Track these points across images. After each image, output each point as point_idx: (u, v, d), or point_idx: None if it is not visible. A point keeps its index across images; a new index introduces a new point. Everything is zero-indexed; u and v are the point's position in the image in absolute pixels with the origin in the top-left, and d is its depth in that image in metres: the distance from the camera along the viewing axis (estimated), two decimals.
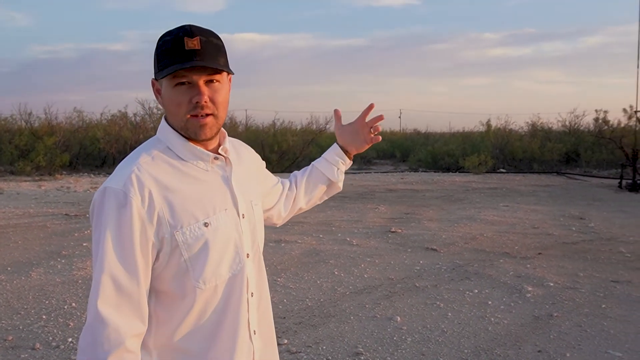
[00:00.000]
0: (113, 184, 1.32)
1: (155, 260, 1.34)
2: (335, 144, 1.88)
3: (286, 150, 23.55)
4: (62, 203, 12.13)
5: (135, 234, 1.29)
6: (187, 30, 1.34)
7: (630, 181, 15.36)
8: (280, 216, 1.81)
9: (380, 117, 1.80)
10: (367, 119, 1.81)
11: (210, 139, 1.41)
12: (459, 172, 22.15)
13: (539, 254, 7.26)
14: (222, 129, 1.46)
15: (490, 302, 5.25)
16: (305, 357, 4.06)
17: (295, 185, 1.85)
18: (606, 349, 4.21)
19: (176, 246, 1.33)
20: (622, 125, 21.82)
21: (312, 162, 1.90)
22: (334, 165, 1.85)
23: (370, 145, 1.84)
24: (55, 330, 4.53)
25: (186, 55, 1.32)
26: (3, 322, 4.70)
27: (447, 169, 23.19)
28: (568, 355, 4.08)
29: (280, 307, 5.12)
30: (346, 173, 1.90)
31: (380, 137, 1.82)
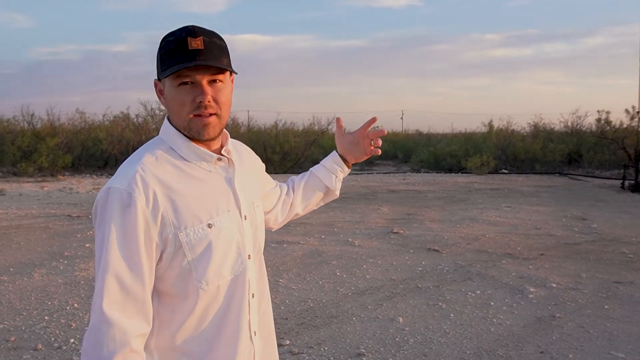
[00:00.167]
0: (117, 184, 1.31)
1: (158, 261, 1.34)
2: (334, 151, 1.88)
3: (288, 151, 23.55)
4: (65, 204, 12.15)
5: (139, 235, 1.29)
6: (190, 31, 1.34)
7: (632, 182, 15.34)
8: (277, 221, 1.82)
9: (382, 132, 1.80)
10: (369, 131, 1.82)
11: (214, 139, 1.41)
12: (461, 172, 22.14)
13: (542, 254, 7.25)
14: (225, 130, 1.46)
15: (492, 303, 5.25)
16: (307, 358, 4.06)
17: (292, 190, 1.86)
18: (609, 349, 4.20)
19: (179, 247, 1.33)
20: (625, 125, 21.79)
21: (311, 169, 1.90)
22: (332, 173, 1.85)
23: (369, 156, 1.84)
24: (57, 331, 4.53)
25: (189, 55, 1.32)
26: (5, 322, 4.71)
27: (450, 170, 23.18)
28: (570, 356, 4.08)
29: (283, 308, 5.12)
30: (348, 174, 1.91)
31: (380, 151, 1.82)
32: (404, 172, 23.02)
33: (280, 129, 25.52)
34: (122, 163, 1.41)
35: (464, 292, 5.58)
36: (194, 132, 1.38)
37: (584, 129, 25.63)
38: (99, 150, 22.35)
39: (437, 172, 22.84)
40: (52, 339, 4.37)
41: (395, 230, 8.93)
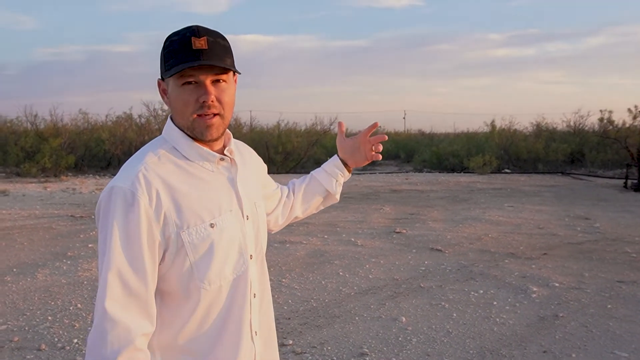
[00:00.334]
0: (120, 183, 1.31)
1: (160, 261, 1.34)
2: (335, 155, 1.88)
3: (290, 151, 23.54)
4: (68, 204, 12.16)
5: (142, 234, 1.29)
6: (194, 31, 1.35)
7: (635, 181, 15.31)
8: (277, 223, 1.82)
9: (382, 137, 1.80)
10: (370, 136, 1.82)
11: (217, 139, 1.42)
12: (464, 172, 22.12)
13: (544, 254, 7.24)
14: (227, 130, 1.47)
15: (495, 303, 5.24)
16: (310, 357, 4.06)
17: (293, 193, 1.86)
18: (612, 349, 4.19)
19: (182, 246, 1.33)
20: (627, 125, 21.76)
21: (311, 172, 1.90)
22: (332, 177, 1.85)
23: (369, 161, 1.84)
24: (60, 332, 4.54)
25: (194, 55, 1.32)
26: (9, 323, 4.72)
27: (452, 170, 23.16)
28: (574, 355, 4.07)
29: (285, 307, 5.12)
30: (351, 173, 1.91)
31: (381, 156, 1.82)
32: (407, 172, 23.01)
33: (282, 129, 25.52)
34: (124, 163, 1.41)
35: (466, 292, 5.57)
36: (197, 133, 1.38)
37: (586, 128, 25.59)
38: (102, 151, 22.38)
39: (439, 172, 22.82)
40: (56, 339, 4.38)
41: (397, 230, 8.92)
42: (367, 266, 6.62)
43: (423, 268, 6.55)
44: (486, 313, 4.98)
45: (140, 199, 1.29)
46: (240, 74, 1.43)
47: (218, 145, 1.45)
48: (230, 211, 1.42)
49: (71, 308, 5.10)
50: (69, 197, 13.51)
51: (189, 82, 1.34)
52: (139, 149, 1.45)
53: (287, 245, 7.71)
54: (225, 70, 1.36)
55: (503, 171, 22.24)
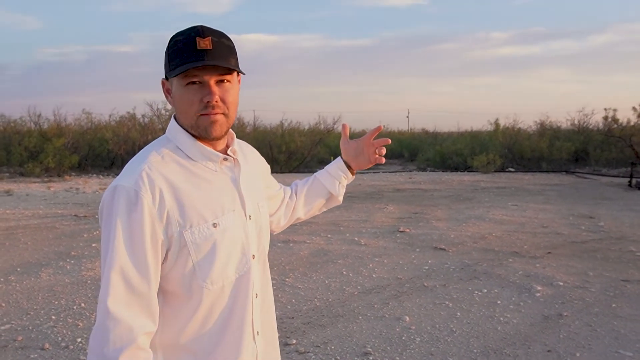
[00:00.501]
0: (124, 182, 1.31)
1: (163, 260, 1.34)
2: (339, 157, 1.87)
3: (294, 151, 23.56)
4: (71, 204, 12.19)
5: (146, 233, 1.29)
6: (199, 31, 1.34)
7: None
8: (279, 224, 1.81)
9: (386, 140, 1.79)
10: (374, 139, 1.81)
11: (220, 137, 1.41)
12: (468, 171, 22.09)
13: (548, 253, 7.22)
14: (231, 130, 1.46)
15: (499, 302, 5.23)
16: (313, 357, 4.06)
17: (295, 194, 1.85)
18: (617, 348, 4.18)
19: (184, 245, 1.33)
20: (632, 123, 21.73)
21: (315, 174, 1.89)
22: (335, 179, 1.84)
23: (373, 164, 1.83)
24: (64, 331, 4.55)
25: (198, 55, 1.32)
26: (13, 322, 4.73)
27: (456, 169, 23.14)
28: (578, 355, 4.06)
29: (289, 307, 5.12)
30: (355, 176, 1.90)
31: (384, 159, 1.81)
32: (410, 171, 22.99)
33: (286, 129, 25.54)
34: (128, 162, 1.41)
35: (470, 291, 5.56)
36: (201, 130, 1.38)
37: (590, 127, 25.53)
38: (105, 151, 22.44)
39: (443, 171, 22.80)
40: (60, 339, 4.38)
41: (401, 229, 8.91)
42: (371, 265, 6.62)
43: (427, 267, 6.54)
44: (490, 312, 4.96)
45: (144, 198, 1.29)
46: (244, 74, 1.43)
47: (221, 145, 1.45)
48: (233, 211, 1.42)
49: (75, 307, 5.10)
50: (73, 197, 13.54)
51: (194, 82, 1.34)
52: (143, 148, 1.45)
53: (291, 245, 7.71)
54: (229, 71, 1.36)
55: (507, 170, 22.21)
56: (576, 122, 26.13)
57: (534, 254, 7.15)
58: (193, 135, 1.40)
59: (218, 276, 1.37)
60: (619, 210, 11.09)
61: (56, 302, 5.25)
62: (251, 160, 1.59)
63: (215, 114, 1.36)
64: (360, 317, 4.84)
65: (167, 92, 1.43)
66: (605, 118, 23.11)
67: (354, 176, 1.88)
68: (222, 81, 1.36)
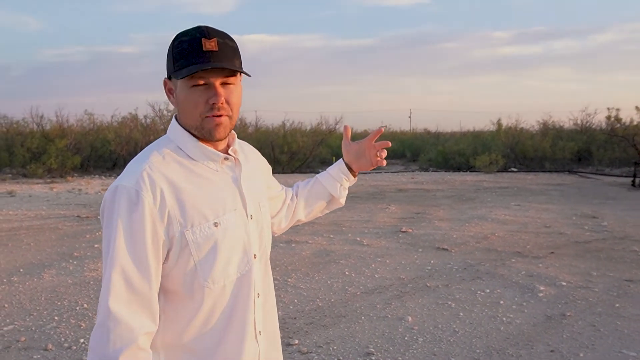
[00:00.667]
0: (125, 182, 1.31)
1: (165, 260, 1.34)
2: (341, 159, 1.86)
3: (296, 151, 23.56)
4: (74, 205, 12.21)
5: (147, 233, 1.29)
6: (204, 32, 1.34)
7: None
8: (280, 226, 1.80)
9: (387, 143, 1.78)
10: (375, 142, 1.80)
11: (223, 138, 1.41)
12: (470, 171, 22.08)
13: (551, 253, 7.21)
14: (232, 130, 1.46)
15: (502, 302, 5.22)
16: (316, 357, 4.05)
17: (296, 196, 1.84)
18: (620, 348, 4.16)
19: (185, 245, 1.33)
20: (635, 123, 21.65)
21: (316, 175, 1.87)
22: (337, 181, 1.83)
23: (374, 167, 1.82)
24: (67, 331, 4.55)
25: (204, 57, 1.32)
26: (16, 323, 4.73)
27: (458, 169, 23.12)
28: (581, 355, 4.05)
29: (291, 307, 5.12)
30: (357, 178, 1.88)
31: (385, 162, 1.80)
32: (413, 171, 22.98)
33: (288, 129, 25.54)
34: (129, 162, 1.41)
35: (473, 291, 5.55)
36: (206, 132, 1.37)
37: (593, 126, 25.48)
38: (108, 151, 22.46)
39: (445, 171, 22.78)
40: (62, 339, 4.39)
41: (403, 229, 8.91)
42: (373, 266, 6.61)
43: (429, 267, 6.53)
44: (493, 312, 4.95)
45: (145, 198, 1.29)
46: (250, 76, 1.43)
47: (222, 145, 1.45)
48: (234, 210, 1.41)
49: (77, 308, 5.11)
50: (75, 198, 13.56)
51: (199, 84, 1.34)
52: (144, 148, 1.45)
53: (293, 245, 7.70)
54: (234, 73, 1.36)
55: (509, 170, 22.19)
56: (579, 121, 26.10)
57: (536, 254, 7.13)
58: (195, 136, 1.40)
59: (219, 275, 1.37)
60: (622, 210, 11.07)
61: (59, 303, 5.26)
62: (252, 160, 1.59)
63: (220, 116, 1.36)
64: (362, 318, 4.83)
65: (169, 92, 1.43)
66: (608, 117, 23.04)
67: (356, 178, 1.86)
68: (227, 83, 1.36)
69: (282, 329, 4.42)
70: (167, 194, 1.32)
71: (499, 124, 25.84)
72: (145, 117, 23.69)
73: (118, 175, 1.39)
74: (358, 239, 8.22)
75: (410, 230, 8.85)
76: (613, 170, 20.84)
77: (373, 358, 4.03)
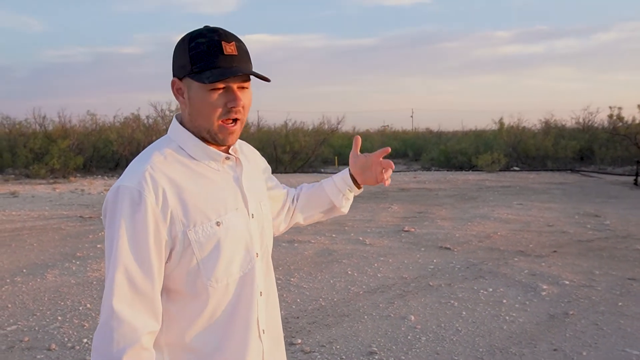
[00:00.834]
0: (127, 182, 1.31)
1: (167, 260, 1.34)
2: (347, 169, 1.82)
3: (298, 151, 23.56)
4: (77, 205, 12.23)
5: (149, 233, 1.29)
6: (222, 34, 1.34)
7: None
8: (279, 229, 1.79)
9: (391, 164, 1.73)
10: (383, 159, 1.78)
11: (233, 144, 1.43)
12: (472, 170, 22.06)
13: (554, 252, 7.20)
14: None
15: (505, 301, 5.22)
16: (319, 356, 4.06)
17: (297, 199, 1.82)
18: (623, 347, 4.16)
19: (188, 245, 1.33)
20: (637, 121, 21.62)
21: (322, 181, 1.85)
22: (340, 192, 1.80)
23: (378, 184, 1.78)
24: (70, 331, 4.56)
25: (226, 61, 1.32)
26: (19, 323, 4.75)
27: (460, 168, 23.11)
28: (584, 353, 4.04)
29: (294, 307, 5.12)
30: (361, 189, 1.85)
31: (389, 182, 1.74)
32: (415, 171, 22.96)
33: (290, 129, 25.54)
34: (131, 162, 1.41)
35: (476, 290, 5.55)
36: (219, 137, 1.38)
37: (595, 125, 25.47)
38: (110, 152, 22.50)
39: (447, 170, 22.77)
40: (66, 339, 4.39)
41: (406, 229, 8.90)
42: (376, 265, 6.61)
43: (432, 266, 6.53)
44: (496, 311, 4.95)
45: (147, 198, 1.29)
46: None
47: (223, 144, 1.45)
48: (236, 209, 1.42)
49: (81, 308, 5.12)
50: (78, 198, 13.58)
51: (218, 87, 1.33)
52: (145, 148, 1.45)
53: (296, 245, 7.71)
54: (249, 77, 1.37)
55: (512, 169, 22.16)
56: (581, 120, 26.10)
57: (539, 253, 7.13)
58: (197, 136, 1.40)
59: (222, 274, 1.37)
60: (624, 208, 11.05)
61: (62, 303, 5.27)
62: (251, 159, 1.59)
63: (235, 123, 1.37)
64: (365, 317, 4.84)
65: (178, 91, 1.41)
66: (610, 116, 23.01)
67: (361, 189, 1.83)
68: (243, 87, 1.37)
69: (285, 328, 4.43)
70: (170, 194, 1.32)
71: (501, 123, 25.83)
72: (147, 117, 23.75)
73: (120, 175, 1.38)
74: (360, 238, 8.22)
75: (413, 230, 8.84)
76: (615, 169, 20.82)
77: (376, 357, 4.03)
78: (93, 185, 16.83)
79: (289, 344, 4.21)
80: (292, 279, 6.00)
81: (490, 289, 5.57)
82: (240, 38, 1.41)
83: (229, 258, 1.38)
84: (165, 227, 1.31)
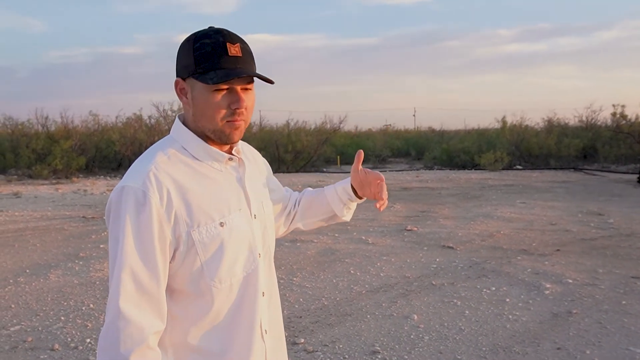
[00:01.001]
0: (131, 182, 1.31)
1: (171, 260, 1.34)
2: (349, 179, 1.79)
3: (300, 150, 23.55)
4: (79, 206, 12.24)
5: (154, 233, 1.29)
6: (227, 35, 1.34)
7: None
8: (277, 233, 1.78)
9: (384, 195, 1.68)
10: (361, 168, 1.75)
11: (237, 142, 1.43)
12: (475, 169, 22.04)
13: (557, 250, 7.19)
14: None
15: (508, 300, 5.21)
16: (322, 356, 4.05)
17: (298, 203, 1.82)
18: (627, 345, 4.15)
19: (192, 245, 1.33)
20: None
21: (324, 188, 1.83)
22: (342, 202, 1.78)
23: (374, 199, 1.73)
24: (73, 332, 4.57)
25: (231, 62, 1.32)
26: (22, 323, 4.75)
27: (463, 167, 23.08)
28: (588, 352, 4.03)
29: (297, 306, 5.12)
30: (363, 199, 1.82)
31: (384, 207, 1.69)
32: (417, 170, 22.94)
33: (292, 128, 25.56)
34: (134, 163, 1.41)
35: (479, 289, 5.54)
36: (224, 136, 1.37)
37: (599, 123, 25.40)
38: (113, 152, 22.51)
39: (450, 169, 22.74)
40: (69, 339, 4.40)
41: (408, 228, 8.90)
42: (379, 264, 6.61)
43: (434, 265, 6.52)
44: (499, 310, 4.94)
45: (152, 198, 1.29)
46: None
47: (226, 145, 1.45)
48: (239, 210, 1.42)
49: (84, 308, 5.12)
50: (80, 199, 13.60)
51: (222, 88, 1.34)
52: (148, 148, 1.45)
53: (298, 244, 7.71)
54: (253, 78, 1.37)
55: (514, 167, 22.13)
56: (584, 118, 26.03)
57: (542, 252, 7.11)
58: (200, 136, 1.40)
59: (226, 275, 1.37)
60: (628, 206, 11.03)
61: (65, 303, 5.28)
62: (252, 160, 1.60)
63: (240, 120, 1.37)
64: (368, 316, 4.83)
65: (181, 91, 1.40)
66: (614, 114, 22.94)
67: (363, 199, 1.79)
68: (246, 88, 1.37)
69: (287, 327, 4.43)
70: (174, 194, 1.32)
71: (504, 121, 25.78)
72: (149, 117, 23.74)
73: (123, 175, 1.38)
74: (363, 237, 8.22)
75: (416, 229, 8.84)
76: (619, 167, 20.77)
77: (379, 356, 4.02)
78: (95, 185, 16.86)
79: (292, 344, 4.21)
80: (294, 279, 6.00)
81: (494, 288, 5.56)
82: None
83: (232, 258, 1.38)
84: (169, 227, 1.31)
